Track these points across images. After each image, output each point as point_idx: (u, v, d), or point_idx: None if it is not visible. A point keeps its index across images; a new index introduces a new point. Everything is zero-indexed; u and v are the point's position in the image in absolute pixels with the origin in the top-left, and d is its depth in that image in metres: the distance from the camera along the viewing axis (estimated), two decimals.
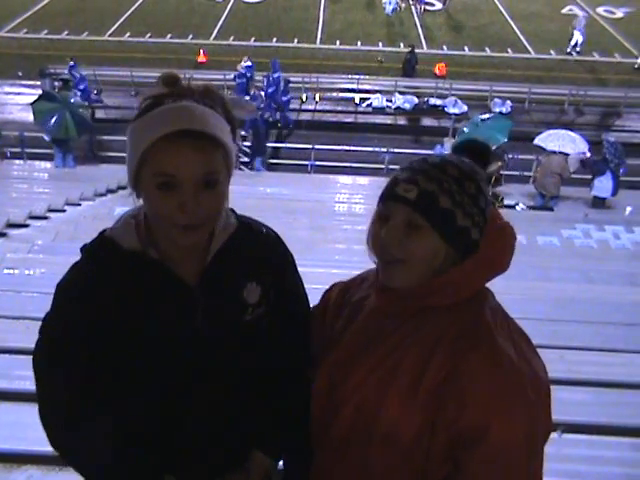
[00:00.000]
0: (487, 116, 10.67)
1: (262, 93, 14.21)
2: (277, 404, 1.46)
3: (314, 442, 1.40)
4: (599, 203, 10.07)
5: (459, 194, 1.18)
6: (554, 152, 9.91)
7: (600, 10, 23.51)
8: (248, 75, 15.33)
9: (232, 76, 15.42)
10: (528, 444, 1.16)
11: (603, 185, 9.83)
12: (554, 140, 10.01)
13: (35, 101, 11.53)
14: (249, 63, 15.68)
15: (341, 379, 1.30)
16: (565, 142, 9.92)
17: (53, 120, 10.97)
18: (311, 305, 1.57)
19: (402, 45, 19.84)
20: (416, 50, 17.57)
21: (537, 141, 10.26)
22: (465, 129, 10.45)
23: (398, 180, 1.22)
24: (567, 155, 9.87)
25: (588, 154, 9.94)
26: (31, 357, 1.32)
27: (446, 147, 10.81)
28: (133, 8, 22.59)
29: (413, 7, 22.85)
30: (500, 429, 1.13)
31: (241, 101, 12.75)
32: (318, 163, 12.59)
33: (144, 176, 1.19)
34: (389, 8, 22.20)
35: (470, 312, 1.24)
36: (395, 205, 1.20)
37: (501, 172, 10.56)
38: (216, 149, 1.19)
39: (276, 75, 14.52)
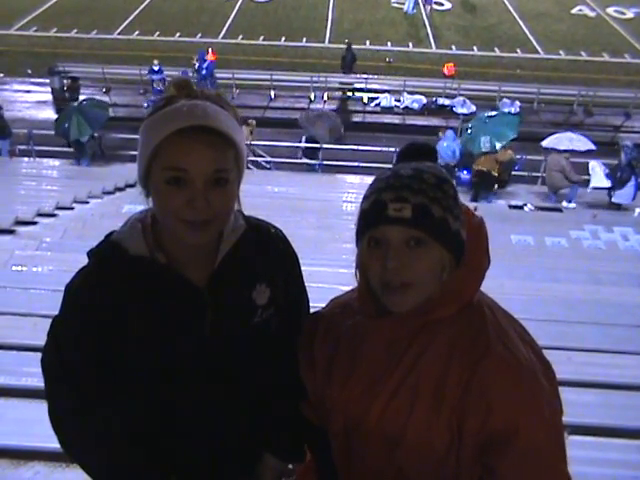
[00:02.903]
0: (493, 113, 10.63)
1: None
2: (284, 405, 1.46)
3: (341, 476, 1.38)
4: (614, 207, 10.02)
5: (444, 199, 1.17)
6: (559, 151, 9.94)
7: (610, 10, 23.39)
8: (189, 73, 15.17)
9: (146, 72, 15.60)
10: (554, 432, 1.17)
11: (624, 192, 9.70)
12: (564, 140, 10.11)
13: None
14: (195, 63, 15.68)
15: (363, 411, 1.26)
16: (575, 141, 10.00)
17: (67, 124, 11.33)
18: (317, 305, 1.54)
19: (411, 45, 19.84)
20: (417, 49, 17.47)
21: (547, 144, 10.23)
22: (471, 126, 10.41)
23: (384, 202, 1.16)
24: (578, 152, 9.97)
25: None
26: (38, 354, 1.33)
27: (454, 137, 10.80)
28: (142, 6, 22.66)
29: (422, 7, 22.82)
30: (528, 427, 1.14)
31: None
32: (326, 162, 12.57)
33: (154, 171, 1.18)
34: (410, 6, 22.18)
35: (473, 317, 1.23)
36: (390, 228, 1.16)
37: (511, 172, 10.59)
38: (228, 147, 1.19)
39: (203, 64, 14.29)
